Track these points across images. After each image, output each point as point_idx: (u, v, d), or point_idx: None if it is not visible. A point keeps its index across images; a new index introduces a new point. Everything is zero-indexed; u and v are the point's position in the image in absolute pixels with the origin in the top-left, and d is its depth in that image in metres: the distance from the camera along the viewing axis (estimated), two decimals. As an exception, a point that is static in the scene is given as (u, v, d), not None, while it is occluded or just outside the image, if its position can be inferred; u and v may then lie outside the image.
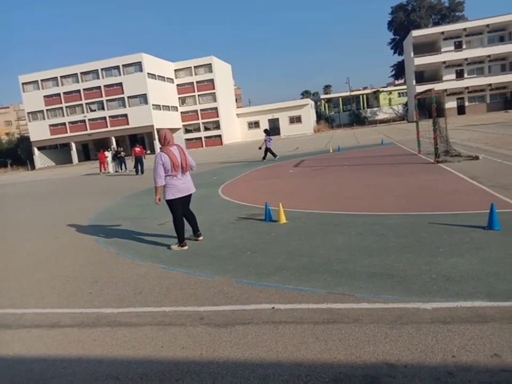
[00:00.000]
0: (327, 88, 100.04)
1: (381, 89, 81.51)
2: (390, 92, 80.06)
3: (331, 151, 20.81)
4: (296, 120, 57.95)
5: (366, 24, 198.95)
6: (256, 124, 59.50)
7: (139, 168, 21.69)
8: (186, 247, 5.66)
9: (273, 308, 3.50)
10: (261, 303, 3.63)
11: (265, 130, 20.55)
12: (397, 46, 64.54)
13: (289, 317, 3.31)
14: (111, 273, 5.05)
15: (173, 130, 52.08)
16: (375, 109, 73.87)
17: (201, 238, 5.97)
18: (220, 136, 54.56)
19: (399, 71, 66.45)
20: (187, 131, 55.65)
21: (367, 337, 2.85)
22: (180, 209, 5.63)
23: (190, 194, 5.77)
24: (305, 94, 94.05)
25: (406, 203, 7.08)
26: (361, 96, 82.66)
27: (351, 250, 4.75)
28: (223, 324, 3.32)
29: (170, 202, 5.57)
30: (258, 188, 11.32)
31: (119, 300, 4.11)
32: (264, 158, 19.59)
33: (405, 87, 65.20)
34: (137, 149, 22.14)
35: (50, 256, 6.32)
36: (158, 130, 47.56)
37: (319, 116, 70.20)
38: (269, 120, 58.76)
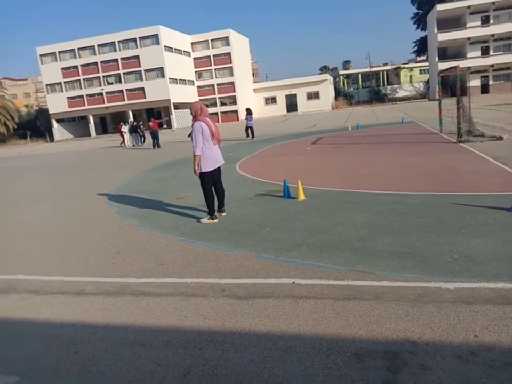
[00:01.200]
0: (346, 64, 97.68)
1: (402, 66, 79.23)
2: (411, 69, 77.79)
3: (350, 128, 20.51)
4: (314, 96, 56.98)
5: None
6: (273, 100, 58.78)
7: (155, 142, 21.78)
8: (216, 220, 5.71)
9: (294, 282, 3.54)
10: (281, 277, 3.67)
11: (247, 109, 21.66)
12: (420, 21, 62.33)
13: (309, 292, 3.35)
14: (133, 244, 5.16)
15: (189, 104, 51.84)
16: (395, 86, 72.05)
17: (224, 214, 5.98)
18: (236, 111, 54.13)
19: (421, 47, 64.37)
20: (203, 106, 55.35)
21: (388, 314, 2.88)
22: (211, 182, 5.69)
23: (220, 167, 5.80)
24: (324, 69, 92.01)
25: (427, 183, 6.98)
26: (381, 73, 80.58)
27: (371, 229, 4.74)
28: (244, 296, 3.39)
29: (202, 175, 5.60)
30: (276, 164, 11.28)
31: (141, 270, 4.22)
32: (248, 136, 20.81)
33: (427, 63, 63.24)
34: (151, 123, 22.27)
35: (73, 227, 6.48)
36: (176, 104, 47.23)
37: (338, 92, 68.87)
38: (286, 95, 57.94)
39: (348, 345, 2.57)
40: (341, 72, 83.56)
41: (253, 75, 66.77)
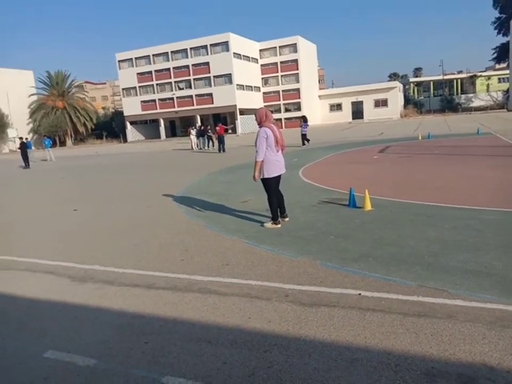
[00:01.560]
0: (417, 71, 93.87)
1: (479, 74, 74.43)
2: (489, 77, 72.82)
3: (420, 138, 19.64)
4: (381, 103, 55.31)
5: (464, 1, 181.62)
6: (338, 107, 57.93)
7: (221, 146, 22.37)
8: (279, 225, 5.75)
9: (360, 294, 3.46)
10: (347, 287, 3.61)
11: (302, 117, 21.88)
12: (502, 26, 58.09)
13: (376, 305, 3.25)
14: (200, 243, 5.34)
15: (254, 110, 52.58)
16: (470, 95, 67.77)
17: (287, 219, 6.01)
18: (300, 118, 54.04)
19: (502, 53, 59.95)
20: (268, 112, 55.86)
21: (462, 335, 2.72)
22: (275, 187, 5.74)
23: (280, 174, 5.84)
24: (393, 76, 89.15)
25: (506, 199, 6.50)
26: (455, 81, 76.33)
27: (443, 244, 4.50)
28: (309, 303, 3.37)
29: (267, 181, 5.65)
30: (340, 172, 11.11)
31: (208, 269, 4.35)
32: (304, 144, 20.85)
33: (507, 71, 58.90)
34: (218, 128, 22.92)
35: (145, 223, 6.84)
36: (241, 110, 48.21)
37: (407, 100, 66.21)
38: (352, 102, 56.83)
39: (418, 363, 2.46)
40: (412, 79, 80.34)
41: (319, 81, 66.25)
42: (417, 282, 3.57)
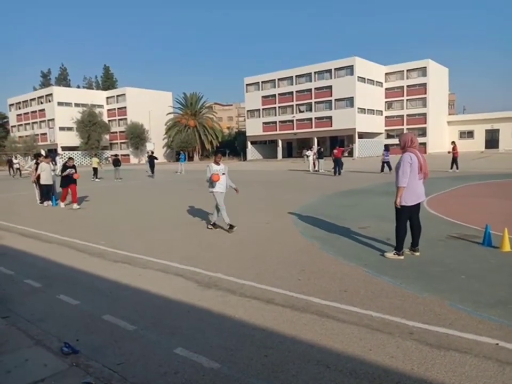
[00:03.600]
0: None
1: None
2: None
3: None
4: (523, 133, 49.21)
5: None
6: (469, 134, 53.12)
7: (337, 169, 22.20)
8: (402, 257, 5.47)
9: (497, 344, 3.10)
10: (481, 335, 3.26)
11: (385, 146, 23.55)
12: None
13: (518, 359, 2.88)
14: (316, 265, 5.35)
15: (374, 134, 51.16)
16: None
17: (418, 253, 5.62)
18: (424, 143, 50.74)
19: None
20: (389, 136, 53.81)
21: None
22: (407, 216, 5.50)
23: (420, 203, 5.57)
24: (540, 103, 78.75)
25: None
26: None
27: None
28: (436, 345, 3.13)
29: (402, 208, 5.41)
30: (472, 205, 10.13)
31: (325, 292, 4.33)
32: (382, 170, 21.63)
33: None
34: (335, 151, 22.82)
35: (262, 238, 7.10)
36: (360, 134, 47.37)
37: (556, 130, 57.78)
38: (486, 130, 51.61)
39: None
40: None
41: (449, 107, 61.77)
42: None
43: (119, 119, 63.54)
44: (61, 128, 59.74)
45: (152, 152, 29.98)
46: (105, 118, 62.56)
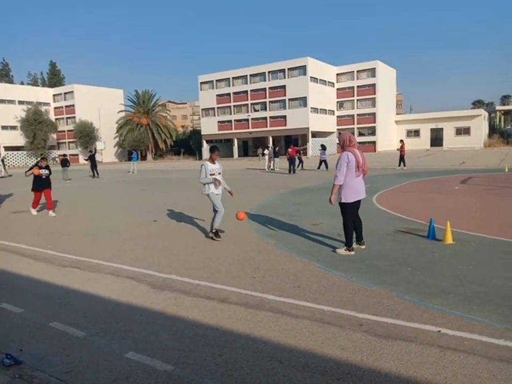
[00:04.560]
0: (505, 99, 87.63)
1: None
2: None
3: (507, 170, 18.22)
4: (464, 131, 52.25)
5: None
6: (416, 133, 55.74)
7: (291, 168, 22.58)
8: (353, 252, 5.63)
9: (439, 331, 3.28)
10: (425, 323, 3.43)
11: (322, 145, 24.26)
12: None
13: (458, 344, 3.06)
14: (270, 263, 5.40)
15: (327, 134, 52.38)
16: None
17: (363, 246, 5.86)
18: (374, 142, 52.75)
19: None
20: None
21: (560, 390, 2.46)
22: (352, 213, 5.67)
23: (360, 200, 5.75)
24: (478, 103, 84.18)
25: None
26: (551, 109, 70.00)
27: (536, 287, 4.12)
28: (384, 335, 3.26)
29: (345, 205, 5.61)
30: (418, 201, 10.64)
31: (279, 289, 4.38)
32: (318, 168, 23.85)
33: None
34: (290, 150, 23.32)
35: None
36: (313, 133, 48.31)
37: (493, 129, 61.93)
38: (431, 129, 54.38)
39: (508, 415, 2.27)
40: (498, 107, 75.04)
41: (397, 106, 64.43)
42: (504, 325, 3.30)
43: (67, 118, 60.79)
44: (4, 127, 56.16)
45: (93, 152, 28.63)
46: (52, 116, 59.76)
